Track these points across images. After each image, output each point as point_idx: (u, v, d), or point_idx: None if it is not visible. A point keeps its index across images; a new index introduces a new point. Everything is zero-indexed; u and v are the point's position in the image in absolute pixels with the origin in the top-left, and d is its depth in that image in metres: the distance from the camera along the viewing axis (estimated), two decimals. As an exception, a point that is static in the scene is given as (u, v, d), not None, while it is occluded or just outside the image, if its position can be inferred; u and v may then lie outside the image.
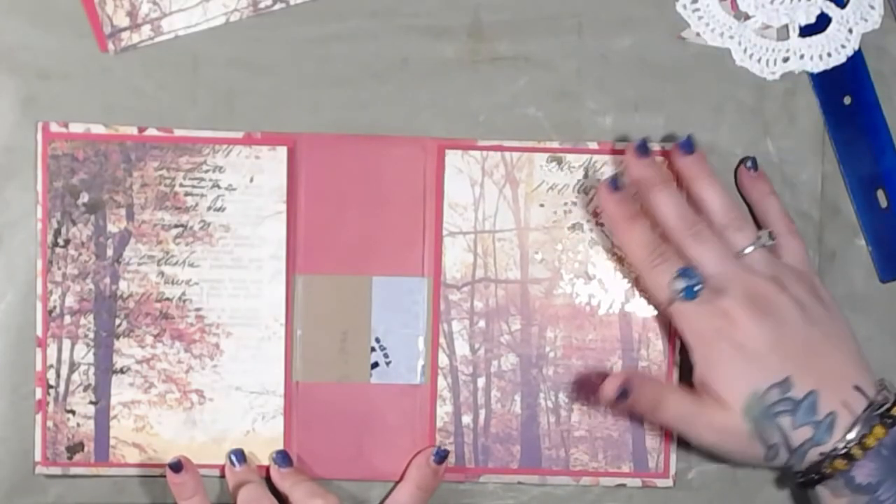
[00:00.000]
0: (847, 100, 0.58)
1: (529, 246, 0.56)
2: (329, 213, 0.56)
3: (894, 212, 0.57)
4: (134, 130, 0.55)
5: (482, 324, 0.56)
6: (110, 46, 0.57)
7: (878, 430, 0.49)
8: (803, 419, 0.49)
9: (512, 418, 0.57)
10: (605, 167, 0.56)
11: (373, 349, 0.56)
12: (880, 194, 0.57)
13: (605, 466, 0.57)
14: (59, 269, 0.55)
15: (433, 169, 0.56)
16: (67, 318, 0.55)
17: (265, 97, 0.57)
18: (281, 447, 0.56)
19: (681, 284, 0.51)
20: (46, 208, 0.55)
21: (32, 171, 0.56)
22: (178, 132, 0.56)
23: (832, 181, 0.58)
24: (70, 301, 0.55)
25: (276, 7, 0.57)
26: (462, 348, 0.57)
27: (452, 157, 0.56)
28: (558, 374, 0.57)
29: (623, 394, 0.51)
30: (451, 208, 0.56)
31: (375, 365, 0.56)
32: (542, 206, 0.56)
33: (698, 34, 0.58)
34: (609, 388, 0.51)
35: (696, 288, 0.51)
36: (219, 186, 0.55)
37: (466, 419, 0.57)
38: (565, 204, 0.56)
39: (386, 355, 0.56)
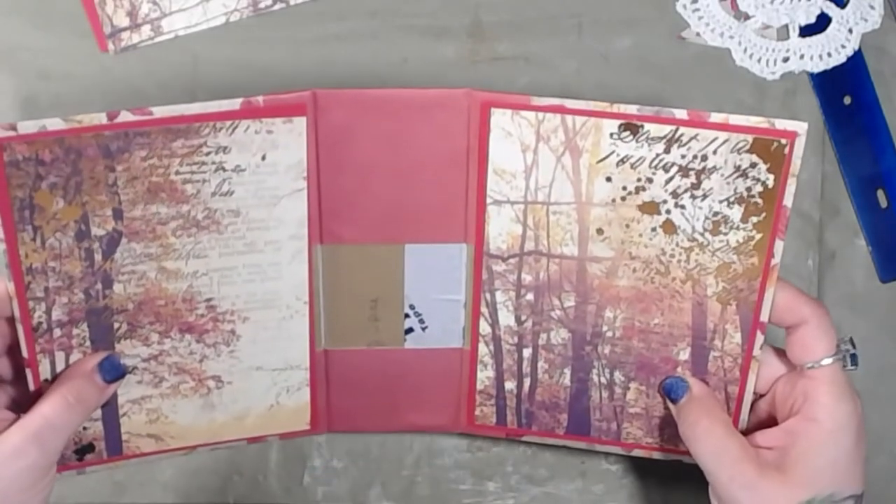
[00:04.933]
0: (847, 100, 0.58)
1: (591, 222, 0.49)
2: (354, 179, 0.50)
3: (894, 212, 0.57)
4: (103, 118, 0.46)
5: (530, 297, 0.51)
6: (110, 46, 0.57)
7: None
8: None
9: (560, 389, 0.52)
10: (693, 142, 0.47)
11: (406, 315, 0.52)
12: (880, 194, 0.57)
13: (661, 443, 0.52)
14: (39, 285, 0.48)
15: (476, 130, 0.49)
16: (57, 332, 0.49)
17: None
18: (307, 416, 0.54)
19: (850, 349, 0.47)
20: (11, 223, 0.46)
21: None
22: (159, 112, 0.46)
23: (832, 181, 0.58)
24: (58, 314, 0.49)
25: (276, 7, 0.57)
26: (506, 319, 0.52)
27: (500, 119, 0.48)
28: (616, 354, 0.51)
29: (675, 393, 0.49)
30: (497, 175, 0.49)
31: (410, 330, 0.53)
32: (608, 179, 0.48)
33: (698, 34, 0.58)
34: (669, 382, 0.50)
35: (858, 359, 0.47)
36: (224, 169, 0.48)
37: (510, 385, 0.53)
38: (639, 180, 0.48)
39: (422, 321, 0.53)
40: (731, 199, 0.47)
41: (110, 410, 0.52)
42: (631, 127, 0.47)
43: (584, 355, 0.51)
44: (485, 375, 0.53)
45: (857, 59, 0.58)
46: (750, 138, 0.46)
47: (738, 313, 0.49)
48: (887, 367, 0.58)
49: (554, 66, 0.57)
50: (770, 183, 0.47)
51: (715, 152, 0.46)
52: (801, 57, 0.58)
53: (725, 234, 0.48)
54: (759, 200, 0.47)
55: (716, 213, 0.48)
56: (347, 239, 0.51)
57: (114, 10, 0.57)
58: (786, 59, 0.58)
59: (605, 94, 0.57)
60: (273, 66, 0.57)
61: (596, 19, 0.58)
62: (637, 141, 0.47)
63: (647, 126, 0.47)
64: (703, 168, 0.47)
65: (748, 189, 0.47)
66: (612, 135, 0.47)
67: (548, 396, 0.52)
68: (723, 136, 0.46)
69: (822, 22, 0.57)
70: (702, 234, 0.48)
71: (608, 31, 0.58)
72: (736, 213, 0.47)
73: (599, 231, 0.49)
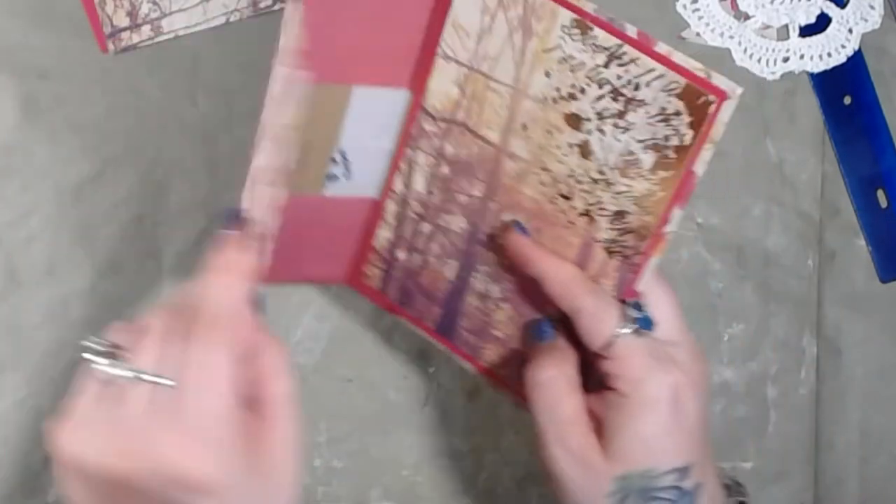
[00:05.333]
0: (847, 100, 0.58)
1: (520, 114, 0.47)
2: (324, 12, 0.47)
3: (894, 212, 0.57)
4: None
5: (446, 170, 0.50)
6: (110, 46, 0.57)
7: None
8: None
9: (442, 280, 0.52)
10: (632, 65, 0.45)
11: (334, 160, 0.51)
12: (880, 194, 0.57)
13: (511, 381, 0.51)
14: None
15: None
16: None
17: (265, 97, 0.57)
18: None
19: (635, 313, 0.45)
20: None
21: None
22: None
23: (832, 181, 0.58)
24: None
25: (277, 7, 0.57)
26: (419, 184, 0.51)
27: None
28: (500, 267, 0.50)
29: (539, 332, 0.47)
30: (454, 29, 0.48)
31: (333, 178, 0.51)
32: (547, 74, 0.46)
33: (698, 34, 0.58)
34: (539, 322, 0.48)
35: (651, 322, 0.45)
36: None
37: (402, 255, 0.52)
38: (573, 86, 0.46)
39: (347, 168, 0.51)
40: (648, 143, 0.45)
41: None
42: (581, 25, 0.45)
43: (473, 254, 0.51)
44: (384, 236, 0.53)
45: (857, 59, 0.58)
46: (683, 82, 0.44)
47: (619, 271, 0.47)
48: (887, 367, 0.58)
49: (554, 66, 0.57)
50: (687, 139, 0.44)
51: (648, 85, 0.45)
52: (801, 57, 0.58)
53: (632, 179, 0.46)
54: (673, 155, 0.45)
55: (630, 153, 0.46)
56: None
57: (114, 10, 0.57)
58: (786, 59, 0.58)
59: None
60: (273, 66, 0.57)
61: (596, 19, 0.58)
62: (584, 43, 0.45)
63: (597, 31, 0.45)
64: (633, 98, 0.45)
65: (666, 138, 0.45)
66: (563, 27, 0.46)
67: (430, 282, 0.52)
68: (660, 69, 0.44)
69: (822, 22, 0.58)
70: (611, 170, 0.46)
71: (608, 31, 0.58)
72: (648, 159, 0.45)
73: (524, 127, 0.48)
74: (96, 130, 0.57)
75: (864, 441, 0.58)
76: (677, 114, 0.44)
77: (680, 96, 0.44)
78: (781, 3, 0.57)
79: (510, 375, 0.51)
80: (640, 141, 0.45)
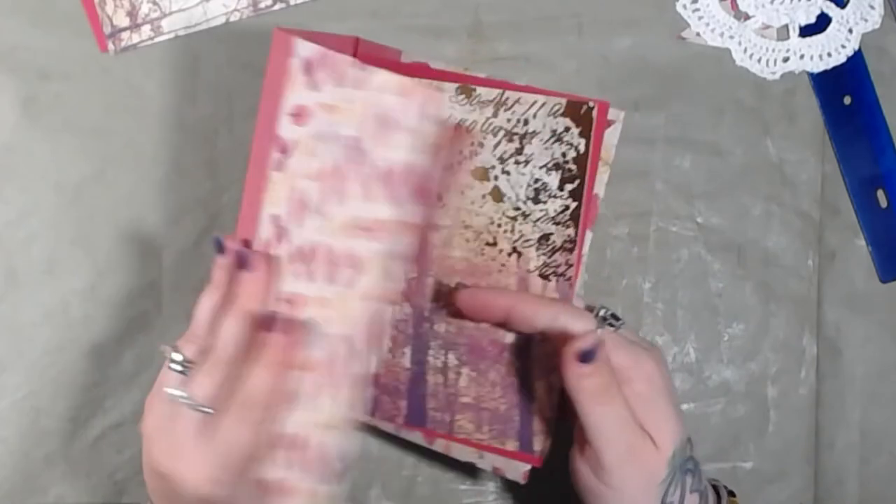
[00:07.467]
0: (847, 100, 0.58)
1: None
2: None
3: (894, 212, 0.57)
4: None
5: None
6: (110, 46, 0.57)
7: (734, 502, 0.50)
8: (696, 485, 0.47)
9: (400, 371, 0.52)
10: (517, 105, 0.49)
11: None
12: (880, 194, 0.57)
13: (490, 440, 0.51)
14: None
15: None
16: None
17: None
18: None
19: (604, 312, 0.47)
20: None
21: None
22: None
23: (832, 181, 0.58)
24: None
25: (276, 7, 0.57)
26: None
27: None
28: (450, 333, 0.51)
29: (588, 355, 0.45)
30: None
31: None
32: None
33: (698, 34, 0.58)
34: (582, 343, 0.45)
35: (618, 316, 0.47)
36: None
37: None
38: (472, 144, 0.50)
39: None
40: (549, 166, 0.50)
41: None
42: (465, 90, 0.50)
43: (422, 334, 0.52)
44: None
45: (857, 59, 0.58)
46: (563, 101, 0.49)
47: (558, 290, 0.50)
48: (887, 367, 0.58)
49: (554, 66, 0.57)
50: (581, 147, 0.49)
51: (535, 116, 0.49)
52: (801, 57, 0.58)
53: (545, 202, 0.50)
54: (573, 167, 0.50)
55: (536, 180, 0.50)
56: None
57: (114, 10, 0.57)
58: (786, 59, 0.58)
59: (605, 94, 0.57)
60: (273, 66, 0.57)
61: (596, 19, 0.58)
62: (471, 104, 0.50)
63: (479, 89, 0.50)
64: (525, 133, 0.50)
65: (563, 154, 0.50)
66: (450, 97, 0.50)
67: (390, 379, 0.52)
68: (541, 99, 0.49)
69: (822, 22, 0.58)
70: (524, 203, 0.50)
71: (608, 31, 0.58)
72: (553, 179, 0.50)
73: (439, 198, 0.50)
74: (96, 130, 0.57)
75: (864, 441, 0.58)
76: (567, 130, 0.50)
77: (564, 114, 0.49)
78: (781, 3, 0.57)
79: (490, 434, 0.51)
80: (542, 166, 0.50)
